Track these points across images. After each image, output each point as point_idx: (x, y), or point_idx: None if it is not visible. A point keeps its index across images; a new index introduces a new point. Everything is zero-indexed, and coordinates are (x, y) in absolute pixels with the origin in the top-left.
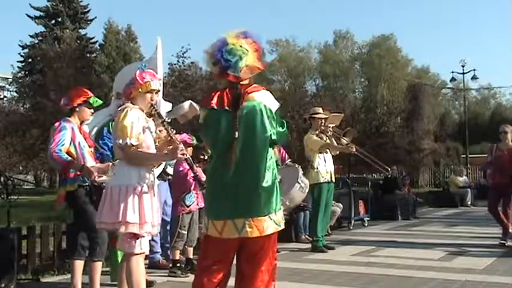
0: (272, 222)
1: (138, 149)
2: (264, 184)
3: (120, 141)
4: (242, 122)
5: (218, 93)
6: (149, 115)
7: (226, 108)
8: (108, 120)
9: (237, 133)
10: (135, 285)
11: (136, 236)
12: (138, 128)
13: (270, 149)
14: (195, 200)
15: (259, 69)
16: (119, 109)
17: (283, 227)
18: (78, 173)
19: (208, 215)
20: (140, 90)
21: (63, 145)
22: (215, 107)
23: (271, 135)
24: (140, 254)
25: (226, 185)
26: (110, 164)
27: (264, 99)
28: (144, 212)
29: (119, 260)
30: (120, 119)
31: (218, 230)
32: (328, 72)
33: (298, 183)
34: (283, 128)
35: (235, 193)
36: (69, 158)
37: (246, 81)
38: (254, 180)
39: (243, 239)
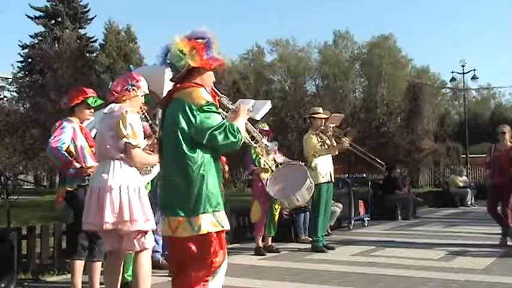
0: (188, 225)
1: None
2: (177, 184)
3: (133, 141)
4: (166, 120)
5: None
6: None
7: (162, 107)
8: None
9: (160, 131)
10: (146, 277)
11: (145, 232)
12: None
13: (199, 151)
14: None
15: (202, 66)
16: (123, 110)
17: (203, 232)
18: (81, 174)
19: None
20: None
21: (63, 144)
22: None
23: (187, 133)
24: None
25: (162, 182)
26: None
27: (187, 96)
28: (145, 209)
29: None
30: (129, 121)
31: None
32: (328, 72)
33: (308, 178)
34: (231, 135)
35: (162, 190)
36: (69, 158)
37: (199, 81)
38: (168, 180)
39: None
